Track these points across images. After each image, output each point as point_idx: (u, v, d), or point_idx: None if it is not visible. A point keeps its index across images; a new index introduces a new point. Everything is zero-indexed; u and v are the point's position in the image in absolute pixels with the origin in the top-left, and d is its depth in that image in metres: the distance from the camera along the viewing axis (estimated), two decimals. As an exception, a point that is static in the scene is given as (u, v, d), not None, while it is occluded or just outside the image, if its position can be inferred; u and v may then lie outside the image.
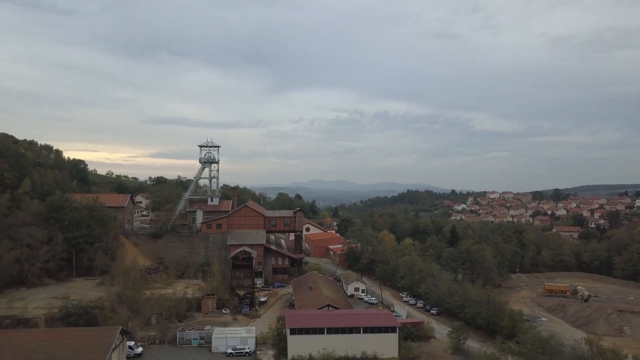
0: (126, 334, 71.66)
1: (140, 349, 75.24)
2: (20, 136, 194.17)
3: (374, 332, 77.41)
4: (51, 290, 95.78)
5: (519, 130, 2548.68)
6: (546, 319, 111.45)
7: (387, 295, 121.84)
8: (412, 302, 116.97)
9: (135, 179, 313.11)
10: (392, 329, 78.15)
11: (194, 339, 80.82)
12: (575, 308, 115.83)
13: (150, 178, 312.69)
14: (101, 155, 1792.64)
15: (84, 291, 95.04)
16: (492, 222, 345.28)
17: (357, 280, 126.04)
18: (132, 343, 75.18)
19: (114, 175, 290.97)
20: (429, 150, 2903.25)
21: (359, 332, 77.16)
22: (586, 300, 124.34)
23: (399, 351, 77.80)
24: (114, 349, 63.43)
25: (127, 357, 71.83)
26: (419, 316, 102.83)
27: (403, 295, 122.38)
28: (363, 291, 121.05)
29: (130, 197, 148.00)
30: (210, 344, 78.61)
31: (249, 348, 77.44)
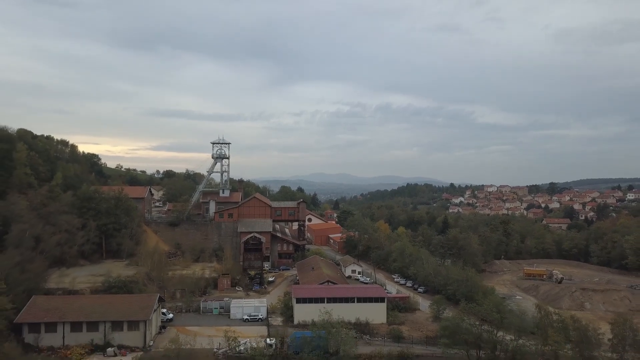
0: (162, 301, 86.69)
1: (171, 315, 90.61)
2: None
3: (366, 302, 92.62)
4: (88, 270, 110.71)
5: (521, 123, 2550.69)
6: (520, 297, 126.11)
7: (381, 276, 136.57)
8: (402, 282, 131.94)
9: (143, 172, 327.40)
10: (381, 299, 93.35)
11: (215, 308, 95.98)
12: (546, 288, 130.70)
13: (157, 172, 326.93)
14: (103, 148, 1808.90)
15: (117, 270, 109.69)
16: (488, 214, 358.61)
17: (354, 263, 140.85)
18: (164, 310, 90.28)
19: (123, 169, 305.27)
20: (431, 143, 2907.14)
21: (354, 302, 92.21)
22: (559, 282, 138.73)
23: (387, 318, 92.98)
24: (154, 312, 78.42)
25: (161, 320, 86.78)
26: (407, 293, 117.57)
27: (395, 277, 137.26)
28: (359, 273, 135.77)
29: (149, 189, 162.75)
30: (229, 312, 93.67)
31: (261, 315, 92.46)
